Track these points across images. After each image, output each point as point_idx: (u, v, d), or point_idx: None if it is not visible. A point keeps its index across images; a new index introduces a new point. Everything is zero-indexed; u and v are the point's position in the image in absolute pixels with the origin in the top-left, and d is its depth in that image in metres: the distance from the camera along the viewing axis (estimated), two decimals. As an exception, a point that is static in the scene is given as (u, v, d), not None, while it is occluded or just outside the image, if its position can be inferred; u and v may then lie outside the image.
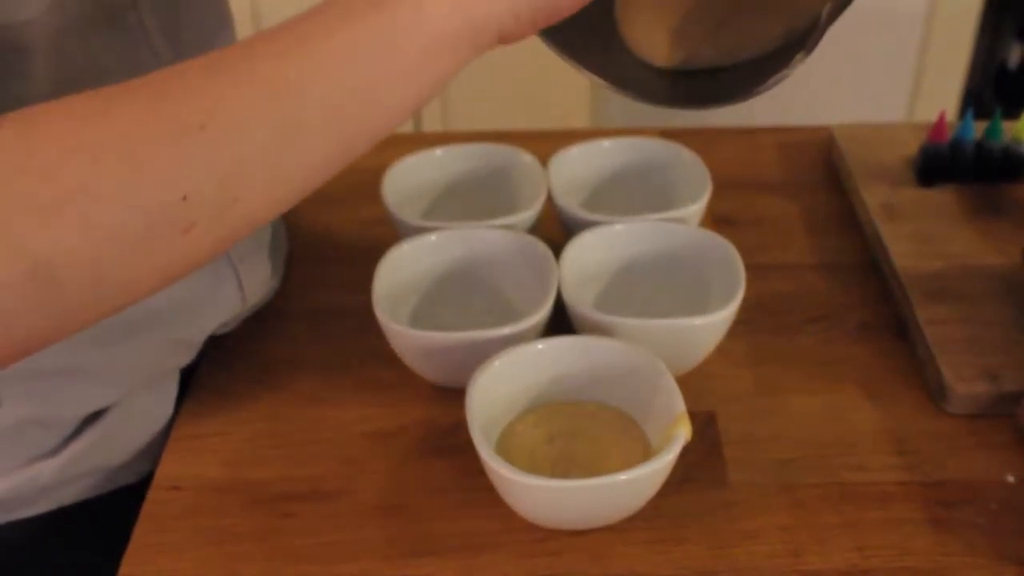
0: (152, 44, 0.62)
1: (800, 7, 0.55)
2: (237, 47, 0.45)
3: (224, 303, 0.70)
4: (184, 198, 0.42)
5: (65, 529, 0.68)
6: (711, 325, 0.65)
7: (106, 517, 0.68)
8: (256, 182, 0.45)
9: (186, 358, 0.70)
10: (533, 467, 0.58)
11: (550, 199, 0.76)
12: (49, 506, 0.66)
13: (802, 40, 0.53)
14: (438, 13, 0.46)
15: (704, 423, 0.65)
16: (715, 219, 0.83)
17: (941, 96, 1.76)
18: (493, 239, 0.72)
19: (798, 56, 0.52)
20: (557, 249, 0.69)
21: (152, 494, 0.62)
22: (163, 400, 0.69)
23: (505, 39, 0.48)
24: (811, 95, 1.56)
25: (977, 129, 0.84)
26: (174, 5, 0.63)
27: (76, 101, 0.42)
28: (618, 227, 0.72)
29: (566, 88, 1.52)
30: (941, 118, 0.84)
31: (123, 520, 0.63)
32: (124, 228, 0.42)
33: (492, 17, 0.47)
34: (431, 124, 1.81)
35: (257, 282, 0.72)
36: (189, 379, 0.71)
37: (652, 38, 0.60)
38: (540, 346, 0.62)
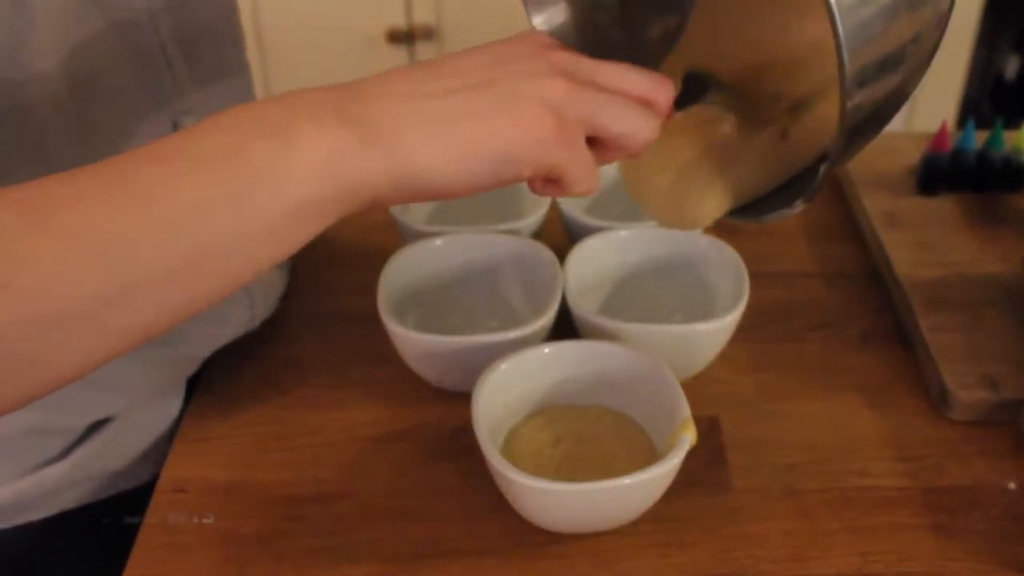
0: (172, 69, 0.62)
1: (796, 161, 0.57)
2: (67, 186, 0.39)
3: (235, 320, 0.70)
4: None
5: (68, 533, 0.68)
6: (715, 331, 0.65)
7: (109, 521, 0.68)
8: (64, 346, 0.39)
9: (192, 369, 0.70)
10: (538, 470, 0.58)
11: (554, 205, 0.77)
12: (52, 510, 0.66)
13: (804, 184, 0.55)
14: (307, 175, 0.41)
15: (708, 428, 0.65)
16: (717, 227, 0.83)
17: (939, 107, 1.76)
18: (497, 244, 0.72)
19: (799, 202, 0.53)
20: (561, 254, 0.70)
21: (158, 496, 0.62)
22: (168, 407, 0.70)
23: (380, 205, 0.44)
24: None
25: (977, 139, 0.85)
26: (194, 40, 0.64)
27: None
28: (622, 233, 0.72)
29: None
30: (943, 128, 0.85)
31: (126, 524, 0.63)
32: None
33: (367, 186, 0.42)
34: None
35: (267, 300, 0.72)
36: (195, 382, 0.71)
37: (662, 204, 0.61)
38: (546, 350, 0.62)
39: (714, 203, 0.58)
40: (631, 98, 0.48)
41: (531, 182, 0.48)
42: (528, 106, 0.44)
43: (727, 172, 0.58)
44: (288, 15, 1.71)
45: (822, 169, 0.50)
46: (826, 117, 0.52)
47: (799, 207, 0.54)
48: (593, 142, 0.48)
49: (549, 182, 0.47)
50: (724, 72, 0.61)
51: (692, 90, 0.58)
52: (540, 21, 0.59)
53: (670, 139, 0.58)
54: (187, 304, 0.42)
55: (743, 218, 0.59)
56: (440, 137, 0.43)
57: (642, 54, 0.63)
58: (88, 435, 0.66)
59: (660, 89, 0.49)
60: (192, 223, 0.39)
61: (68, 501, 0.67)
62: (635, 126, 0.47)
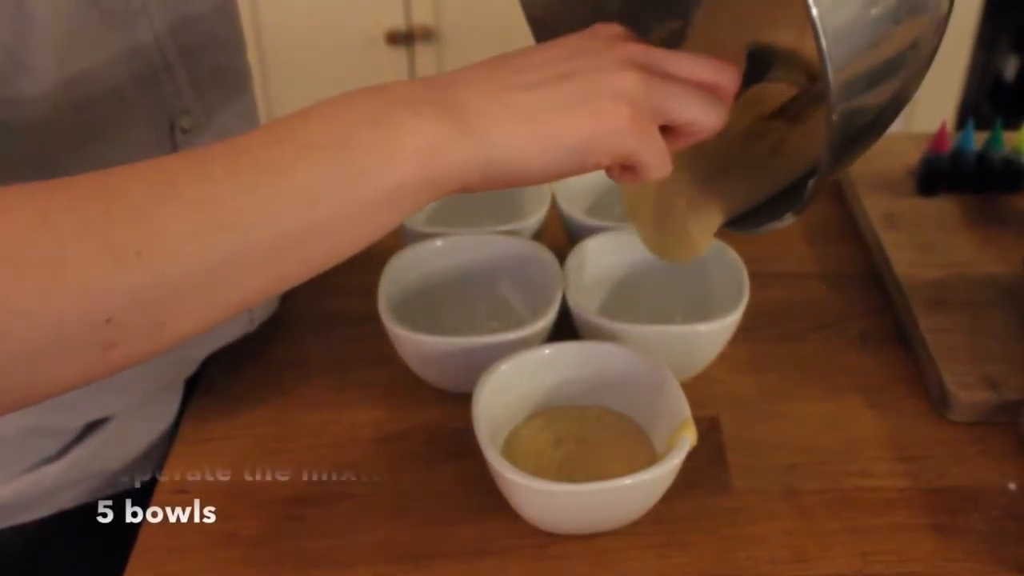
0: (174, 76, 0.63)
1: (788, 173, 0.59)
2: (192, 165, 0.42)
3: (233, 325, 0.70)
4: (108, 320, 0.40)
5: (67, 533, 0.68)
6: (715, 331, 0.65)
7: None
8: (187, 309, 0.42)
9: (190, 371, 0.70)
10: (539, 471, 0.58)
11: (554, 205, 0.77)
12: (50, 510, 0.66)
13: (793, 196, 0.57)
14: (407, 162, 0.44)
15: (708, 429, 0.65)
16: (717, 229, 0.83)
17: (938, 108, 1.77)
18: (498, 245, 0.72)
19: (788, 215, 0.55)
20: (561, 255, 0.70)
21: (158, 496, 0.62)
22: (166, 408, 0.70)
23: (470, 190, 0.47)
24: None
25: (976, 140, 0.85)
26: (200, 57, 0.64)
27: (15, 203, 0.40)
28: (622, 234, 0.72)
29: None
30: (942, 129, 0.85)
31: (125, 524, 0.63)
32: (38, 341, 0.39)
33: (461, 172, 0.45)
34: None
35: (265, 304, 0.72)
36: (195, 383, 0.71)
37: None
38: (547, 351, 0.63)
39: (706, 223, 0.59)
40: (699, 85, 0.50)
41: (609, 169, 0.50)
42: (605, 99, 0.47)
43: (719, 191, 0.59)
44: (287, 16, 1.71)
45: (810, 184, 0.51)
46: (817, 130, 0.52)
47: (789, 220, 0.55)
48: (664, 129, 0.50)
49: (626, 169, 0.50)
50: None
51: (755, 68, 0.59)
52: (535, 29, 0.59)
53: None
54: (292, 277, 0.45)
55: (734, 229, 0.60)
56: (527, 129, 0.46)
57: None
58: (86, 435, 0.66)
59: (726, 74, 0.51)
60: (304, 202, 0.42)
61: (66, 501, 0.67)
62: (704, 113, 0.49)
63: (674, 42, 0.64)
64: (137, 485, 0.69)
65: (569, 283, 0.67)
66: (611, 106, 0.46)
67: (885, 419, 0.67)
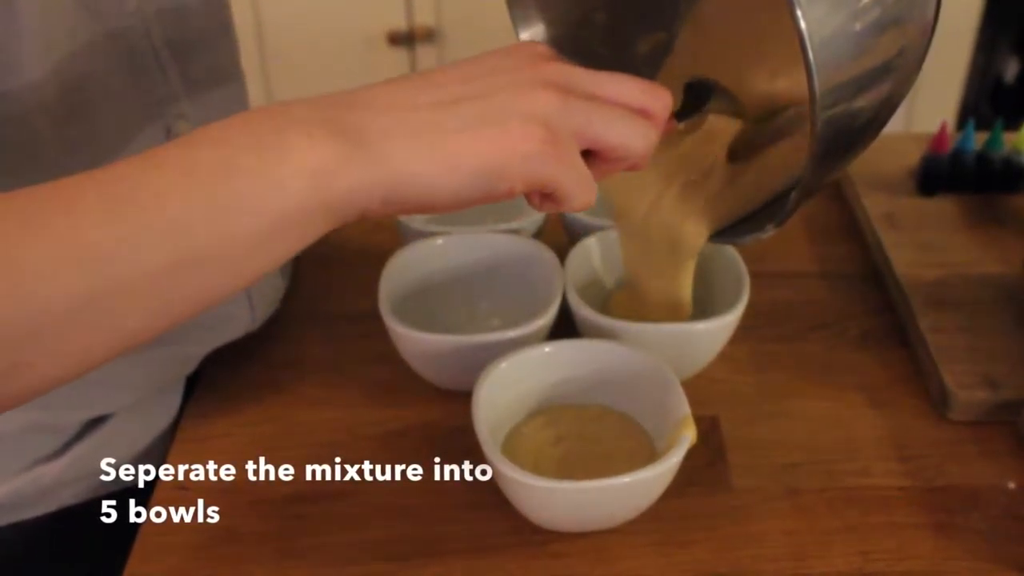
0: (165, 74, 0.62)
1: (771, 187, 0.58)
2: (60, 192, 0.39)
3: (235, 321, 0.70)
4: None
5: (66, 530, 0.68)
6: (715, 330, 0.65)
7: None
8: (54, 349, 0.39)
9: (191, 368, 0.70)
10: (538, 469, 0.58)
11: (555, 205, 0.77)
12: (50, 507, 0.66)
13: (774, 211, 0.56)
14: (295, 188, 0.41)
15: (708, 428, 0.65)
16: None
17: (938, 109, 1.77)
18: (498, 244, 0.72)
19: (769, 226, 0.54)
20: (561, 254, 0.70)
21: (158, 494, 0.62)
22: (167, 406, 0.70)
23: (371, 217, 0.44)
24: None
25: (977, 140, 0.85)
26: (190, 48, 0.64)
27: None
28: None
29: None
30: (942, 129, 0.85)
31: (125, 522, 0.63)
32: None
33: (357, 196, 0.42)
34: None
35: (267, 301, 0.72)
36: (196, 381, 0.71)
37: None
38: (547, 349, 0.63)
39: (694, 234, 0.59)
40: (628, 109, 0.47)
41: (528, 197, 0.47)
42: (515, 119, 0.44)
43: (702, 208, 0.59)
44: (288, 17, 1.71)
45: (793, 195, 0.50)
46: (800, 144, 0.52)
47: (770, 231, 0.55)
48: (591, 155, 0.47)
49: (546, 197, 0.46)
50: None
51: (694, 100, 0.58)
52: (527, 36, 0.59)
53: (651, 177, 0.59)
54: (178, 313, 0.42)
55: (718, 241, 0.60)
56: (428, 150, 0.43)
57: (628, 71, 0.64)
58: (86, 432, 0.66)
59: (657, 99, 0.48)
60: (176, 233, 0.39)
61: (66, 498, 0.67)
62: (632, 137, 0.46)
63: (658, 56, 0.64)
64: (140, 485, 0.69)
65: (569, 281, 0.67)
66: (521, 127, 0.43)
67: (885, 418, 0.67)
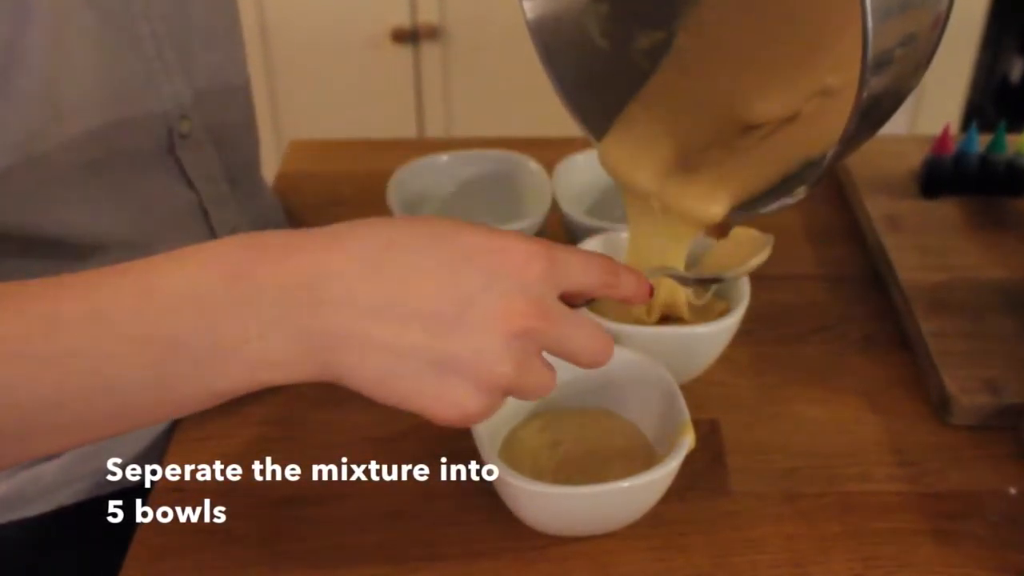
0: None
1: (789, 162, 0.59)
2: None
3: None
4: None
5: (65, 529, 0.68)
6: (715, 334, 0.65)
7: (106, 518, 0.68)
8: None
9: None
10: (536, 473, 0.58)
11: (555, 206, 0.76)
12: (49, 506, 0.66)
13: (804, 175, 0.56)
14: (236, 377, 0.44)
15: (707, 432, 0.65)
16: (717, 229, 0.83)
17: (943, 110, 1.76)
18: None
19: (800, 189, 0.55)
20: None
21: (156, 495, 0.62)
22: None
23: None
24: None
25: (980, 142, 0.85)
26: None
27: None
28: (623, 234, 0.72)
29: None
30: (945, 131, 0.84)
31: (126, 521, 0.63)
32: None
33: (291, 381, 0.45)
34: (433, 130, 1.82)
35: None
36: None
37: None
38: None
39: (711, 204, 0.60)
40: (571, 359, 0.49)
41: None
42: (460, 391, 0.45)
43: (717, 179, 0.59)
44: (293, 14, 1.71)
45: (829, 155, 0.50)
46: (816, 119, 0.52)
47: (800, 195, 0.55)
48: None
49: None
50: (711, 92, 0.62)
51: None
52: (529, 7, 0.60)
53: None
54: (91, 440, 0.45)
55: (742, 214, 0.60)
56: (376, 381, 0.45)
57: (626, 65, 0.64)
58: None
59: (602, 355, 0.50)
60: (108, 394, 0.42)
61: (65, 497, 0.66)
62: (587, 359, 0.50)
63: (658, 53, 0.65)
64: (147, 485, 0.69)
65: (569, 284, 0.67)
66: (462, 399, 0.45)
67: (885, 423, 0.66)
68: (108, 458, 0.67)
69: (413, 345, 0.44)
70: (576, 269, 0.48)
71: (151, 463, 0.69)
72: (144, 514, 0.61)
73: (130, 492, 0.68)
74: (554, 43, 0.62)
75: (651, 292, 0.53)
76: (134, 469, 0.69)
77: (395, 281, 0.44)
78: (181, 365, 0.42)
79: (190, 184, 0.69)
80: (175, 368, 0.43)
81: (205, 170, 0.70)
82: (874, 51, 0.44)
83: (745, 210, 0.60)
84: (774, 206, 0.57)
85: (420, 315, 0.44)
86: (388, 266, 0.44)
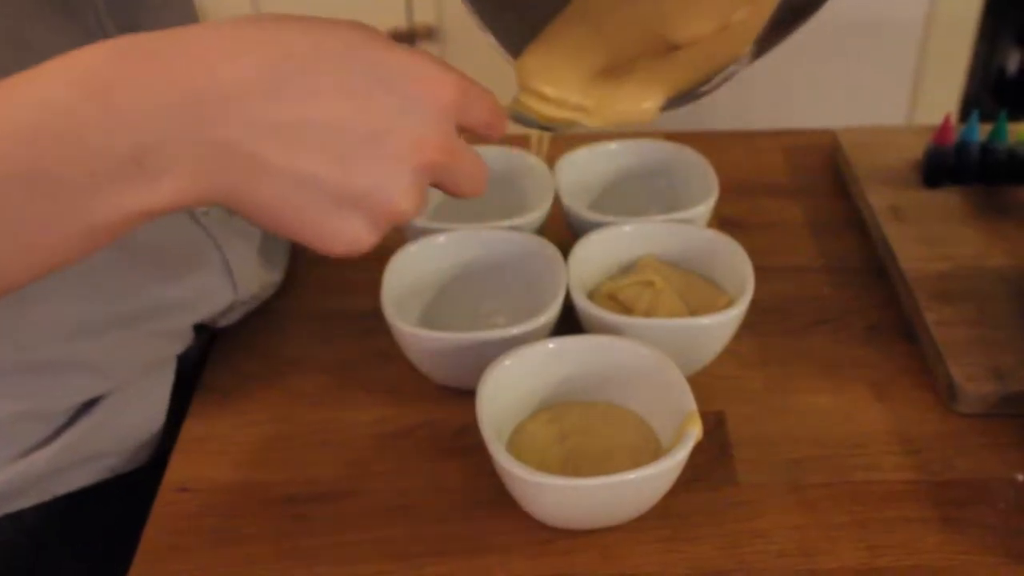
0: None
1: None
2: None
3: (214, 293, 0.69)
4: None
5: (62, 519, 0.67)
6: (720, 325, 0.65)
7: (101, 506, 0.68)
8: None
9: (180, 346, 0.69)
10: (543, 466, 0.58)
11: (557, 200, 0.76)
12: (42, 496, 0.66)
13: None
14: (124, 215, 0.40)
15: (714, 423, 0.65)
16: (721, 222, 0.83)
17: (940, 101, 1.76)
18: (501, 240, 0.72)
19: (731, 68, 0.53)
20: (565, 250, 0.70)
21: (161, 496, 0.62)
22: (158, 388, 0.69)
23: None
24: (811, 99, 1.56)
25: (981, 132, 0.85)
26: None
27: None
28: (626, 228, 0.72)
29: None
30: (946, 120, 0.84)
31: (119, 510, 0.62)
32: None
33: (163, 205, 0.41)
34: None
35: (248, 270, 0.71)
36: (196, 380, 0.71)
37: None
38: (551, 345, 0.62)
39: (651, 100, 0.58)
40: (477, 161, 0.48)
41: None
42: (354, 224, 0.44)
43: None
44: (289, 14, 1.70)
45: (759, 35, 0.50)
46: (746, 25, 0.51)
47: (744, 65, 0.54)
48: None
49: None
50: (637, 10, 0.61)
51: None
52: None
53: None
54: None
55: (680, 101, 0.58)
56: (269, 209, 0.42)
57: None
58: (76, 418, 0.65)
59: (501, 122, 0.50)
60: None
61: (59, 487, 0.66)
62: (469, 190, 0.49)
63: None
64: (133, 469, 0.68)
65: (573, 277, 0.67)
66: (354, 234, 0.44)
67: (892, 412, 0.66)
68: (100, 446, 0.67)
69: (315, 174, 0.42)
70: (479, 104, 0.47)
71: (145, 451, 0.69)
72: (150, 515, 0.61)
73: (126, 479, 0.68)
74: None
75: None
76: (128, 457, 0.69)
77: (300, 100, 0.41)
78: (47, 202, 0.39)
79: None
80: (42, 207, 0.39)
81: None
82: None
83: (676, 103, 0.58)
84: (716, 80, 0.55)
85: (327, 141, 0.42)
86: (292, 81, 0.41)
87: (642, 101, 0.58)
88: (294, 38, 0.42)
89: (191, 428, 0.67)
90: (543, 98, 0.60)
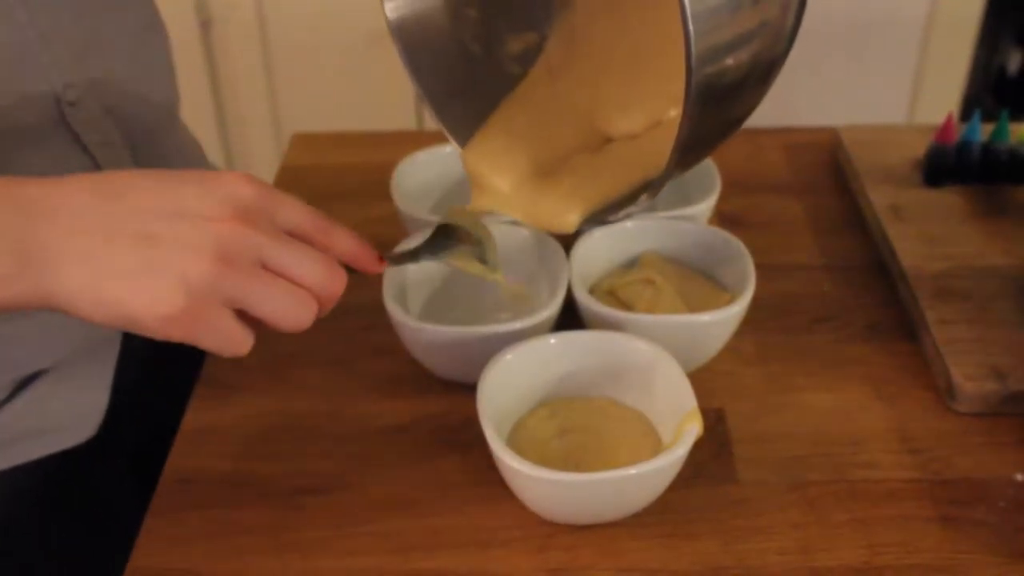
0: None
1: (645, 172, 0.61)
2: None
3: None
4: None
5: (5, 493, 0.67)
6: (721, 322, 0.65)
7: (51, 480, 0.67)
8: None
9: None
10: (544, 461, 0.57)
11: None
12: (6, 463, 0.66)
13: (649, 184, 0.58)
14: None
15: (714, 420, 0.65)
16: (722, 220, 0.83)
17: (941, 101, 1.76)
18: (503, 234, 0.72)
19: (643, 197, 0.57)
20: (567, 245, 0.70)
21: (162, 487, 0.62)
22: (102, 363, 0.69)
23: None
24: (812, 98, 1.56)
25: (982, 132, 0.85)
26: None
27: None
28: (628, 224, 0.72)
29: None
30: (949, 119, 0.84)
31: (71, 483, 0.62)
32: None
33: (13, 305, 0.46)
34: (433, 123, 1.82)
35: None
36: (196, 372, 0.71)
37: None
38: (552, 340, 0.62)
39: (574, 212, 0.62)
40: (294, 284, 0.49)
41: None
42: (165, 283, 0.46)
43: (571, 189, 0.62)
44: (291, 11, 1.70)
45: (671, 154, 0.52)
46: (671, 130, 0.53)
47: (644, 201, 0.58)
48: None
49: None
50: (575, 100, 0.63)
51: (442, 239, 0.60)
52: (391, 8, 0.59)
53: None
54: None
55: (596, 221, 0.63)
56: (92, 290, 0.46)
57: (496, 71, 0.64)
58: (17, 392, 0.65)
59: (330, 283, 0.50)
60: None
61: (3, 460, 0.66)
62: (285, 316, 0.49)
63: (530, 56, 0.64)
64: (77, 443, 0.69)
65: (575, 273, 0.67)
66: (167, 292, 0.46)
67: (892, 410, 0.66)
68: (43, 420, 0.67)
69: (133, 233, 0.46)
70: (288, 203, 0.50)
71: (91, 423, 0.69)
72: (151, 508, 0.61)
73: (70, 454, 0.68)
74: (419, 47, 0.63)
75: (380, 261, 0.53)
76: (74, 431, 0.69)
77: (113, 196, 0.47)
78: None
79: (85, 149, 0.68)
80: None
81: (101, 136, 0.69)
82: (697, 53, 0.45)
83: (597, 218, 0.62)
84: (621, 214, 0.58)
85: (131, 215, 0.46)
86: (107, 186, 0.47)
87: (566, 213, 0.62)
88: (109, 174, 0.48)
89: (192, 420, 0.67)
90: (483, 188, 0.63)
